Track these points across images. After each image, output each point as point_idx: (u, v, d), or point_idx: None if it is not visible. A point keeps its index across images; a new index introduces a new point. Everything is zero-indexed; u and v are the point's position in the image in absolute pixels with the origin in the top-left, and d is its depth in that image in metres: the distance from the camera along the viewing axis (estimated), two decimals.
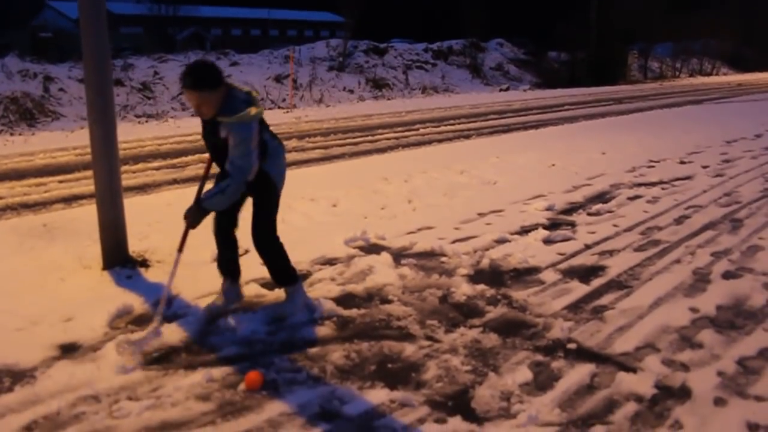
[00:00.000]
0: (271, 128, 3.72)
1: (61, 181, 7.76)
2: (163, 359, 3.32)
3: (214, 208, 3.54)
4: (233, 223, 3.86)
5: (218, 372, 3.20)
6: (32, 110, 13.92)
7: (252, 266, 4.42)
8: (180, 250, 3.65)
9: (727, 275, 4.76)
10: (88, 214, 5.41)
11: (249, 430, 2.74)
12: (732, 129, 13.32)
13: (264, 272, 4.51)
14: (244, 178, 3.42)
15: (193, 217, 3.52)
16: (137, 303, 3.98)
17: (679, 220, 6.25)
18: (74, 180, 7.85)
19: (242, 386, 3.06)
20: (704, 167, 9.08)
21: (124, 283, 4.30)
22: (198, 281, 4.16)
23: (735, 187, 7.79)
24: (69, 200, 6.82)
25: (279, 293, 4.18)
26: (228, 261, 3.96)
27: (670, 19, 39.83)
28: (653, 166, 9.07)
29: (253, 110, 3.40)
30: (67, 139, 11.40)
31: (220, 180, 3.54)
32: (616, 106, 19.39)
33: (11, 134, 12.44)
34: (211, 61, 3.53)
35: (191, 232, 3.61)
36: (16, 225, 5.67)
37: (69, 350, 3.40)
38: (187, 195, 6.76)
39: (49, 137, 11.88)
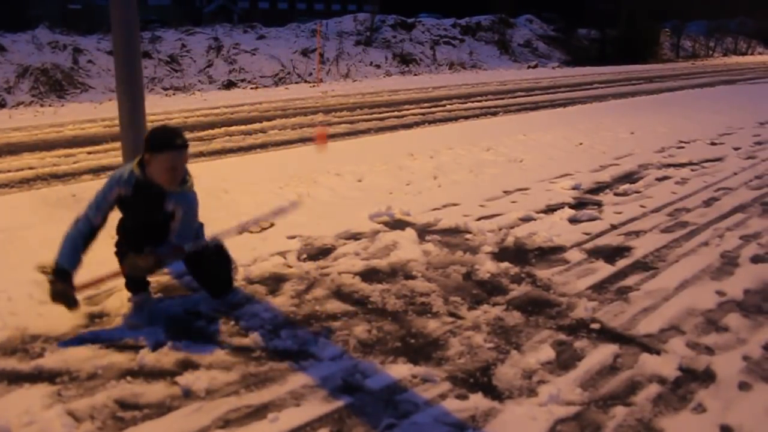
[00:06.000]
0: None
1: (89, 152, 7.86)
2: (188, 330, 3.37)
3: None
4: None
5: (241, 343, 3.24)
6: (62, 82, 14.06)
7: (274, 240, 4.45)
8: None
9: (755, 259, 4.69)
10: None
11: (272, 402, 2.78)
12: (766, 110, 13.04)
13: (289, 245, 4.55)
14: None
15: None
16: (163, 272, 4.03)
17: (708, 202, 6.16)
18: (103, 151, 7.94)
19: (314, 141, 3.21)
20: (736, 149, 8.91)
21: None
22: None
23: (767, 170, 7.64)
24: (97, 171, 6.91)
25: (305, 266, 4.21)
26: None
27: None
28: (683, 147, 8.93)
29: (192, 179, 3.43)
30: (96, 111, 11.53)
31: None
32: (646, 85, 19.08)
33: (41, 105, 12.60)
34: None
35: None
36: (46, 195, 5.76)
37: (97, 318, 3.46)
38: (213, 168, 6.84)
39: (78, 109, 12.01)
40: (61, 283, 3.25)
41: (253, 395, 2.82)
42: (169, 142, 3.20)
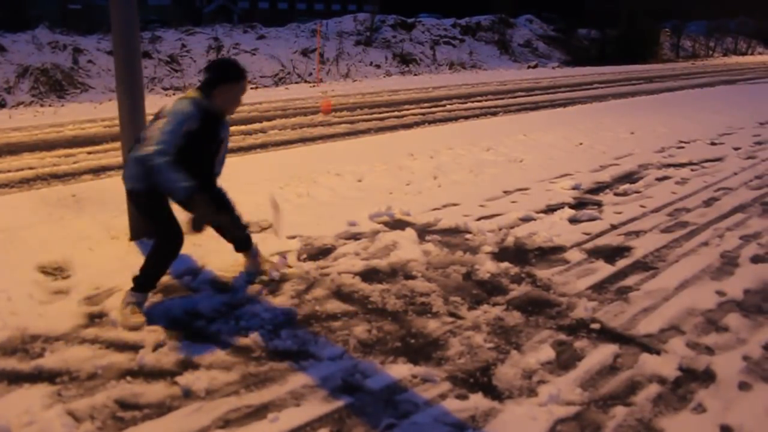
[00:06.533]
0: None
1: (89, 152, 7.85)
2: (188, 330, 3.37)
3: None
4: None
5: (242, 343, 3.24)
6: (62, 82, 14.05)
7: (274, 240, 4.45)
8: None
9: (755, 259, 4.69)
10: (116, 185, 5.43)
11: (272, 402, 2.78)
12: (766, 110, 13.04)
13: (289, 245, 4.55)
14: None
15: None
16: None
17: (708, 202, 6.16)
18: (103, 151, 7.93)
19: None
20: (736, 149, 8.92)
21: None
22: (223, 253, 4.19)
23: (767, 170, 7.64)
24: (97, 171, 6.90)
25: (305, 266, 4.21)
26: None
27: None
28: (683, 147, 8.93)
29: None
30: (96, 111, 11.52)
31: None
32: (646, 85, 19.07)
33: (41, 105, 12.59)
34: None
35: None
36: (46, 195, 5.75)
37: (97, 318, 3.46)
38: None
39: (78, 109, 12.00)
40: None
41: (253, 395, 2.82)
42: (243, 71, 3.54)
